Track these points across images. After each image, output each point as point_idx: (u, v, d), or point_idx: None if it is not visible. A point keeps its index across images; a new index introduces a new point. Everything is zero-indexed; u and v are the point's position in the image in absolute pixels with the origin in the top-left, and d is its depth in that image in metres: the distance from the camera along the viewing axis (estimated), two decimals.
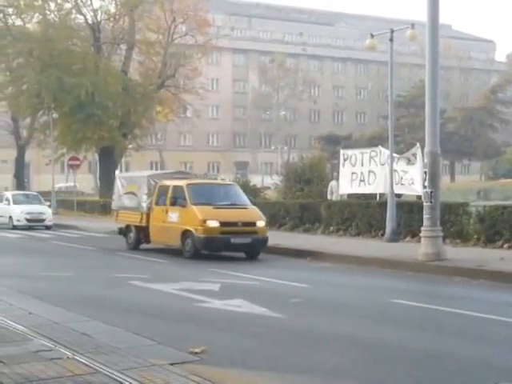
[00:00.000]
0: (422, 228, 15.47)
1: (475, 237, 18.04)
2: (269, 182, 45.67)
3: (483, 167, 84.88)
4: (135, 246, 20.24)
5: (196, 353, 7.79)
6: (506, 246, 17.12)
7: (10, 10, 41.93)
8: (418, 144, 19.35)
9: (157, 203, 19.08)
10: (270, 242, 19.60)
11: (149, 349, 8.08)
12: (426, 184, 15.26)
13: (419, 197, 20.14)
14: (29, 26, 42.75)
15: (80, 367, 7.19)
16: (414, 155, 20.06)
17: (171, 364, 7.30)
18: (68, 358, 7.59)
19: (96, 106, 38.57)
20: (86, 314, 10.25)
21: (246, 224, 17.56)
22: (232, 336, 9.00)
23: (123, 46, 43.46)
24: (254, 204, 18.93)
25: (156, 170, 79.07)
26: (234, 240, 17.26)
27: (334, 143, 67.50)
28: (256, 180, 45.28)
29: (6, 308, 10.56)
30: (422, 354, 7.89)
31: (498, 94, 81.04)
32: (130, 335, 8.83)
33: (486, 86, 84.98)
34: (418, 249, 15.51)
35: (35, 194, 35.06)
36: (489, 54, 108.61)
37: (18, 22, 42.74)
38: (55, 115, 41.70)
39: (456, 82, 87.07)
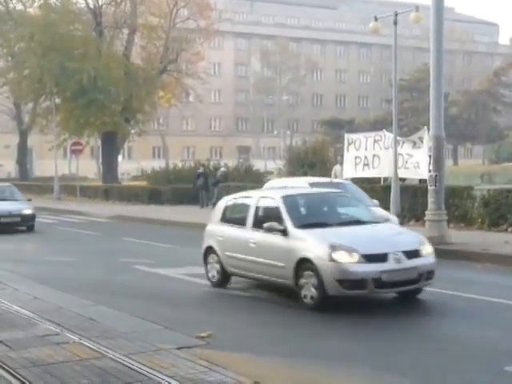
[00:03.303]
0: (427, 212, 15.42)
1: (479, 220, 17.97)
2: (272, 166, 45.59)
3: (486, 151, 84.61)
4: None
5: (203, 337, 7.80)
6: (510, 229, 17.04)
7: None
8: (425, 127, 19.21)
9: None
10: None
11: (155, 333, 8.10)
12: (431, 168, 15.21)
13: (423, 181, 20.10)
14: (30, 10, 42.50)
15: (87, 351, 7.22)
16: (421, 138, 19.92)
17: (178, 348, 7.32)
18: (74, 342, 7.62)
19: (98, 90, 38.43)
20: (91, 298, 10.28)
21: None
22: (238, 320, 9.01)
23: (125, 31, 43.17)
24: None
25: (158, 155, 79.14)
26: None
27: (336, 127, 67.25)
28: (259, 165, 45.24)
29: (11, 293, 10.60)
30: (428, 338, 7.89)
31: (501, 78, 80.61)
32: (135, 320, 8.85)
33: (490, 70, 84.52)
34: (423, 232, 15.45)
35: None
36: (492, 36, 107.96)
37: (20, 7, 42.54)
38: (57, 100, 41.53)
39: (459, 66, 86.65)
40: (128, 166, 66.01)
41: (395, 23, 19.80)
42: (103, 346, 7.36)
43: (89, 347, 7.37)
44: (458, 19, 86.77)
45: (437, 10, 15.10)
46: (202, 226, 21.24)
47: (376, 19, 20.67)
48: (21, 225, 22.00)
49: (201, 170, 31.44)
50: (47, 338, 7.79)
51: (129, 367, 6.64)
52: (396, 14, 19.22)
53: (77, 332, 8.00)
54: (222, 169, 32.58)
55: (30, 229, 22.03)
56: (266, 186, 16.61)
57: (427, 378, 6.41)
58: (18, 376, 6.40)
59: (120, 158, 51.45)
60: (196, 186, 30.34)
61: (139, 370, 6.53)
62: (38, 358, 6.97)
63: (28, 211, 22.12)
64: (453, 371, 6.55)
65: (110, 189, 37.49)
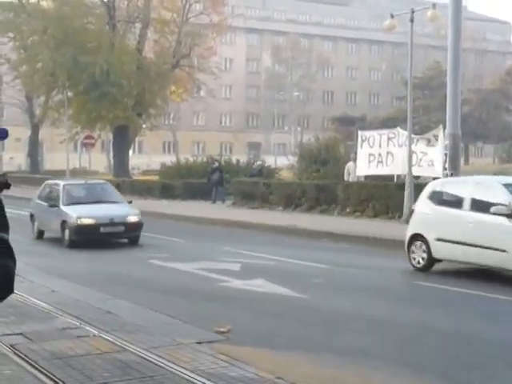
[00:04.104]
0: None
1: None
2: (282, 162, 45.54)
3: (497, 150, 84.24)
4: None
5: (222, 332, 7.80)
6: None
7: None
8: (440, 126, 19.16)
9: None
10: (286, 223, 19.60)
11: (174, 327, 8.12)
12: (447, 166, 15.18)
13: (436, 179, 20.03)
14: (43, 3, 42.51)
15: (107, 345, 7.23)
16: (436, 136, 19.87)
17: (198, 343, 7.32)
18: (94, 335, 7.63)
19: (111, 84, 38.42)
20: (109, 292, 10.30)
21: None
22: (256, 316, 9.01)
23: (138, 25, 43.14)
24: None
25: (168, 150, 79.18)
26: None
27: (348, 124, 67.04)
28: (269, 160, 45.19)
29: (28, 286, 10.61)
30: (450, 336, 7.86)
31: None
32: (154, 314, 8.87)
33: (502, 68, 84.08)
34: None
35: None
36: (505, 35, 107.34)
37: (33, 0, 42.62)
38: (70, 94, 41.56)
39: (471, 64, 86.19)
40: (138, 161, 66.07)
41: (411, 20, 19.76)
42: (123, 340, 7.37)
43: (109, 341, 7.38)
44: (469, 17, 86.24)
45: (455, 11, 15.06)
46: (215, 222, 21.53)
47: (392, 16, 20.62)
48: (124, 236, 16.73)
49: (216, 164, 31.38)
50: (67, 331, 7.81)
51: (150, 361, 6.65)
52: (413, 12, 19.16)
53: (96, 325, 8.02)
54: (258, 162, 32.93)
55: (134, 241, 16.69)
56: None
57: (446, 371, 6.39)
58: (40, 368, 6.42)
59: (131, 152, 51.51)
60: (211, 181, 30.28)
61: (160, 363, 6.54)
62: (58, 351, 6.98)
63: (134, 218, 16.59)
64: (472, 366, 6.52)
65: (122, 183, 37.46)
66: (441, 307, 9.40)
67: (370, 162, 22.21)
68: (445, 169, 15.29)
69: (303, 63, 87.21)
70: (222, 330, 7.87)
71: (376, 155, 21.99)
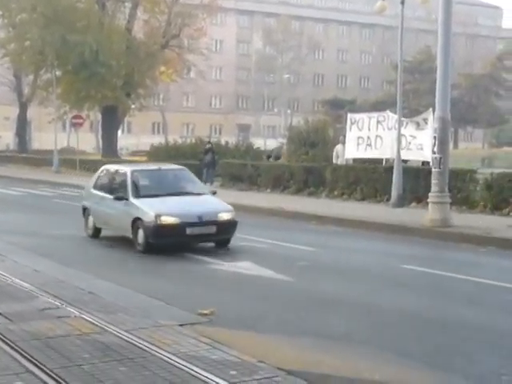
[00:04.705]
0: (430, 194, 15.28)
1: (482, 204, 17.85)
2: (271, 144, 45.36)
3: (486, 135, 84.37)
4: None
5: (205, 314, 7.71)
6: None
7: None
8: (430, 109, 19.04)
9: None
10: (274, 205, 19.49)
11: (157, 309, 8.01)
12: (435, 149, 15.06)
13: (426, 163, 19.97)
14: None
15: (88, 326, 7.13)
16: (425, 120, 19.77)
17: (180, 325, 7.23)
18: (75, 316, 7.52)
19: (100, 64, 38.08)
20: (92, 272, 10.19)
21: None
22: (241, 298, 8.92)
23: (128, 4, 42.80)
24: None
25: (158, 131, 78.80)
26: None
27: (337, 107, 66.86)
28: (258, 143, 45.03)
29: (10, 265, 10.49)
30: (434, 320, 7.80)
31: (504, 62, 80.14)
32: (137, 295, 8.76)
33: (492, 54, 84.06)
34: (424, 215, 15.37)
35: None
36: (496, 20, 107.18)
37: None
38: (58, 73, 41.20)
39: (461, 49, 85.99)
40: (127, 141, 65.75)
41: (402, 3, 19.60)
42: (104, 321, 7.26)
43: (90, 321, 7.28)
44: (461, 2, 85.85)
45: None
46: None
47: None
48: (214, 239, 12.88)
49: (209, 145, 31.09)
50: (47, 311, 7.70)
51: (131, 343, 6.55)
52: None
53: (77, 306, 7.91)
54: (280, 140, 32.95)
55: (225, 244, 12.95)
56: None
57: (433, 359, 6.32)
58: (18, 349, 6.30)
59: (119, 132, 51.20)
60: (203, 162, 30.05)
61: (141, 345, 6.44)
62: (38, 332, 6.87)
63: (227, 215, 12.78)
64: (459, 353, 6.46)
65: (110, 163, 37.25)
66: (426, 290, 9.33)
67: (358, 144, 22.10)
68: (434, 152, 15.15)
69: (294, 45, 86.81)
70: (205, 312, 7.77)
71: (365, 138, 21.88)
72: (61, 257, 11.66)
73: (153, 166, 15.75)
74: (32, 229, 15.74)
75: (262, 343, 6.76)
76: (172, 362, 5.98)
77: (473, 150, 65.25)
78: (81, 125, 39.63)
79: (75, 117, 39.92)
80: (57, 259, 11.37)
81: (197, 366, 5.82)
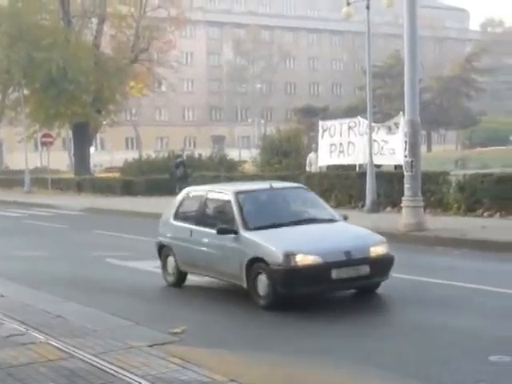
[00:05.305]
0: (403, 198, 15.21)
1: (455, 206, 17.81)
2: (246, 155, 45.28)
3: (459, 136, 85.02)
4: None
5: (175, 333, 7.51)
6: (486, 214, 16.91)
7: None
8: (400, 113, 19.01)
9: None
10: None
11: (126, 330, 7.79)
12: (407, 153, 14.99)
13: (398, 167, 19.91)
14: None
15: (54, 352, 6.89)
16: (396, 124, 19.74)
17: (150, 346, 7.03)
18: (41, 342, 7.28)
19: (68, 81, 37.71)
20: (61, 294, 9.93)
21: None
22: (212, 315, 8.71)
23: (94, 20, 42.48)
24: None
25: (132, 146, 78.36)
26: None
27: (310, 115, 66.94)
28: (233, 154, 44.90)
29: None
30: (409, 326, 7.67)
31: (473, 63, 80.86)
32: (106, 316, 8.53)
33: (461, 56, 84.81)
34: (399, 219, 15.28)
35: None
36: (463, 23, 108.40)
37: None
38: (26, 91, 40.78)
39: (430, 52, 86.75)
40: (101, 158, 65.26)
41: (368, 7, 19.60)
42: (71, 346, 7.04)
43: (56, 347, 7.04)
44: (428, 5, 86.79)
45: None
46: None
47: (348, 4, 20.44)
48: (366, 283, 9.26)
49: (180, 159, 30.95)
50: (12, 338, 7.44)
51: (98, 367, 6.34)
52: None
53: (44, 331, 7.66)
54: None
55: (374, 289, 9.47)
56: None
57: (408, 367, 6.17)
58: None
59: (92, 149, 50.79)
60: (174, 176, 29.84)
61: (109, 370, 6.23)
62: (1, 360, 6.62)
63: (380, 249, 9.31)
64: (435, 361, 6.32)
65: (83, 181, 36.92)
66: (401, 296, 9.20)
67: (331, 151, 22.02)
68: (405, 156, 15.08)
69: (265, 55, 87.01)
70: (175, 331, 7.57)
71: (337, 145, 21.81)
72: (29, 279, 11.36)
73: (261, 185, 11.32)
74: (0, 251, 15.40)
75: (233, 361, 6.57)
76: None
77: (446, 151, 65.67)
78: (51, 143, 39.21)
79: (45, 135, 39.49)
80: (25, 282, 11.08)
81: None
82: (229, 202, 9.68)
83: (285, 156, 26.89)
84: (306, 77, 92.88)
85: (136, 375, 6.03)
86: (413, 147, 14.95)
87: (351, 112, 54.88)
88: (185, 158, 32.35)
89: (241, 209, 9.46)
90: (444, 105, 77.11)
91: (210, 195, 10.37)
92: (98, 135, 53.53)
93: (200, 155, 35.81)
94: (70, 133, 47.23)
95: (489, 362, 6.26)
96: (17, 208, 28.14)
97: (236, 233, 9.22)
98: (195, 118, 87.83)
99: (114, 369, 6.25)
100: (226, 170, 30.20)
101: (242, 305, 9.09)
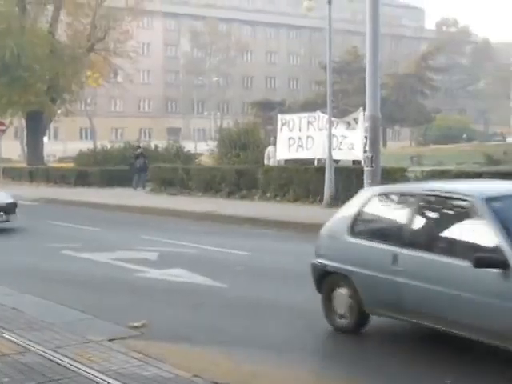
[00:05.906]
0: None
1: None
2: (202, 148, 44.98)
3: (413, 133, 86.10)
4: None
5: (136, 327, 7.34)
6: None
7: None
8: (360, 108, 19.05)
9: None
10: (206, 209, 19.16)
11: (85, 324, 7.59)
12: (367, 148, 14.99)
13: (357, 162, 19.98)
14: None
15: (9, 346, 6.65)
16: (356, 119, 19.81)
17: (110, 340, 6.84)
18: None
19: (22, 68, 36.90)
20: (16, 287, 9.62)
21: None
22: (173, 308, 8.56)
23: (50, 7, 41.67)
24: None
25: (86, 137, 77.30)
26: None
27: (267, 109, 66.98)
28: (189, 146, 44.52)
29: None
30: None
31: (428, 61, 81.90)
32: (64, 309, 8.30)
33: (417, 54, 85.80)
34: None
35: None
36: (418, 21, 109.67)
37: None
38: None
39: (387, 49, 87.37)
40: (54, 148, 64.23)
41: (329, 3, 19.60)
42: (28, 340, 6.79)
43: (11, 341, 6.79)
44: (385, 3, 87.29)
45: None
46: (134, 209, 20.88)
47: None
48: None
49: (140, 150, 30.87)
50: None
51: (56, 362, 6.12)
52: None
53: None
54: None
55: None
56: None
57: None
58: None
59: (46, 139, 49.83)
60: (134, 167, 29.70)
61: (67, 365, 6.01)
62: None
63: None
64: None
65: (35, 170, 36.26)
66: None
67: (290, 145, 22.00)
68: (365, 151, 15.09)
69: (222, 48, 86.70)
70: (136, 324, 7.40)
71: (296, 139, 21.79)
72: None
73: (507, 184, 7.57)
74: None
75: (196, 356, 6.44)
76: (100, 380, 5.60)
77: (401, 148, 66.35)
78: (3, 132, 38.29)
79: None
80: None
81: None
82: (473, 212, 6.18)
83: (242, 149, 26.73)
84: (263, 71, 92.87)
85: (96, 370, 5.84)
86: (373, 142, 14.95)
87: (308, 106, 55.01)
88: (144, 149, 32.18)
89: (502, 225, 5.91)
90: (399, 102, 77.91)
91: (431, 200, 6.75)
92: (52, 125, 52.56)
93: (156, 146, 35.47)
94: (23, 121, 46.32)
95: None
96: None
97: (506, 266, 5.68)
98: (151, 110, 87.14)
99: (73, 363, 6.04)
100: (182, 162, 29.97)
101: (201, 294, 8.97)
